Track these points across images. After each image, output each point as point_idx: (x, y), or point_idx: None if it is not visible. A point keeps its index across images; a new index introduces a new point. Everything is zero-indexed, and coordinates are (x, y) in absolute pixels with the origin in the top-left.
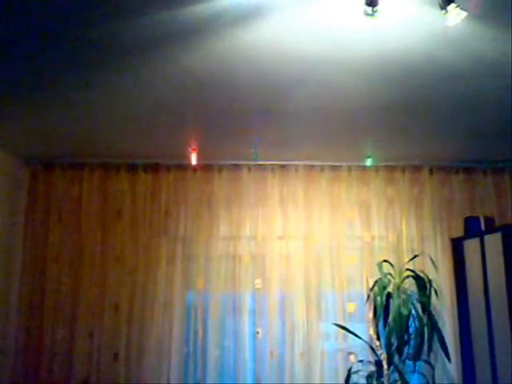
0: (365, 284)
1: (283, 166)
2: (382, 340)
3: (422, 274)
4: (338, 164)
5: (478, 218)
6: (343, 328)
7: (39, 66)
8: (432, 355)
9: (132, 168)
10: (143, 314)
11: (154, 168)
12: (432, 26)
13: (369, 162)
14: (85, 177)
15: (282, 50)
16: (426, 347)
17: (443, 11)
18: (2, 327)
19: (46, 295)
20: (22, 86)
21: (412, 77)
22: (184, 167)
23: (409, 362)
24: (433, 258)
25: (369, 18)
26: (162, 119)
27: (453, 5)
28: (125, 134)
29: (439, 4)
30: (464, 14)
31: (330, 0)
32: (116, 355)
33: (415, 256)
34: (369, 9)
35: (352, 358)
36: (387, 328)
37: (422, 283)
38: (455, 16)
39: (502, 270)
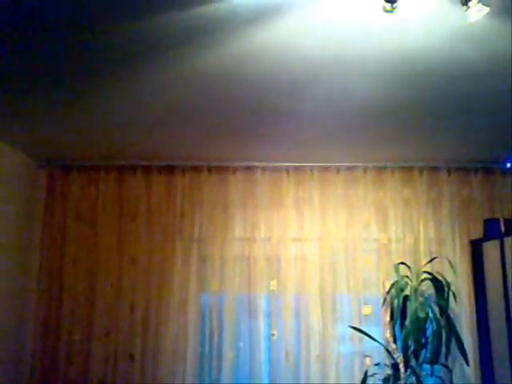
0: (381, 287)
1: (298, 168)
2: (399, 343)
3: (439, 277)
4: (353, 165)
5: (497, 220)
6: (359, 330)
7: (54, 71)
8: (450, 358)
9: (147, 170)
10: (158, 315)
11: (169, 170)
12: (453, 24)
13: None
14: (101, 179)
15: (298, 49)
16: (443, 350)
17: (464, 7)
18: (20, 328)
19: (63, 296)
20: (39, 91)
21: (430, 76)
22: (199, 169)
23: (426, 366)
24: (451, 260)
25: (388, 14)
26: (176, 121)
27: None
28: (139, 137)
29: None
30: (486, 9)
31: None
32: (132, 356)
33: (433, 258)
34: (388, 5)
35: (368, 360)
36: (404, 331)
37: (440, 286)
38: (477, 12)
39: None
